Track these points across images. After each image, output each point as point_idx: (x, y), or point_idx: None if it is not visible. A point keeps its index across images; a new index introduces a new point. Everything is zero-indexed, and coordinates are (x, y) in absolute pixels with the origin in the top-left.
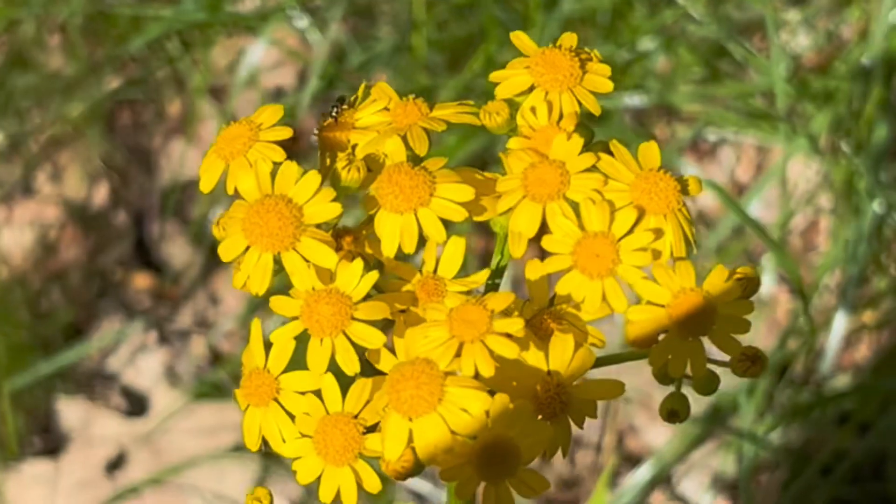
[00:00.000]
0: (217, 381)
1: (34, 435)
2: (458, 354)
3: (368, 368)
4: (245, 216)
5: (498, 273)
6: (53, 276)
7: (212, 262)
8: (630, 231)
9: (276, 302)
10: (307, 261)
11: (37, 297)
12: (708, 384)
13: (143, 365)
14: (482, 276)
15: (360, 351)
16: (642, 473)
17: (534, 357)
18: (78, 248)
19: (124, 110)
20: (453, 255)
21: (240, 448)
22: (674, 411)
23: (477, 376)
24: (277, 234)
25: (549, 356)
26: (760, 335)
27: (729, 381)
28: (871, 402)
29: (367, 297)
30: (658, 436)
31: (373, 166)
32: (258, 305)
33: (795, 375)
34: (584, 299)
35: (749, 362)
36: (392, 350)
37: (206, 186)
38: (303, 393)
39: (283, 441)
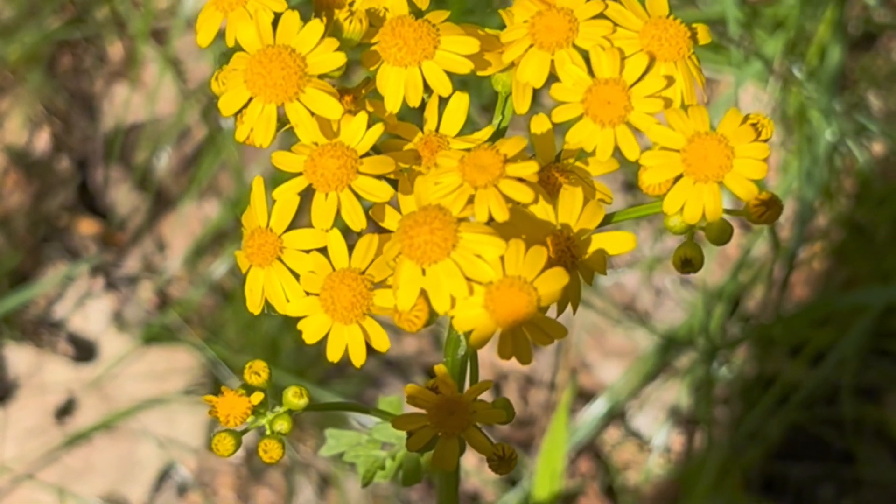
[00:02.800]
0: (166, 324)
1: None
2: (470, 202)
3: (372, 229)
4: (247, 67)
5: (498, 134)
6: None
7: (158, 208)
8: (641, 78)
9: (280, 157)
10: (312, 113)
11: None
12: (722, 232)
13: (90, 311)
14: (486, 132)
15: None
16: (596, 409)
17: (543, 211)
18: (21, 193)
19: (65, 55)
20: (456, 111)
21: (190, 392)
22: (688, 259)
23: (490, 223)
24: (281, 85)
25: (559, 210)
26: (711, 271)
27: (680, 315)
28: (821, 330)
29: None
30: (611, 372)
31: (374, 21)
32: (205, 251)
33: (748, 308)
34: (595, 148)
35: (764, 207)
36: (396, 208)
37: (203, 40)
38: (307, 251)
39: (288, 301)
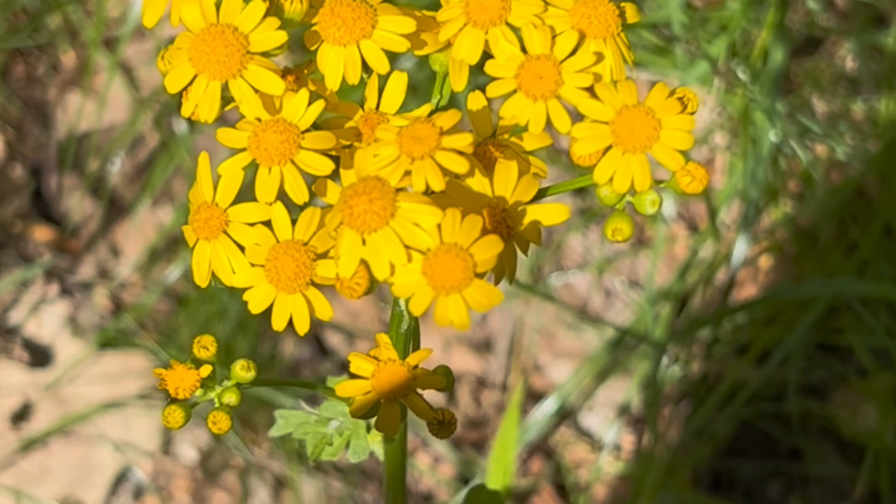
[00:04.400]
0: (120, 329)
1: None
2: (408, 174)
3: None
4: (192, 45)
5: (437, 113)
6: None
7: (111, 214)
8: (572, 54)
9: (224, 134)
10: (255, 90)
11: None
12: (652, 202)
13: (45, 317)
14: (424, 109)
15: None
16: (546, 408)
17: (479, 184)
18: None
19: (18, 63)
20: (395, 89)
21: (145, 396)
22: (618, 229)
23: (428, 194)
24: (225, 62)
25: (494, 182)
26: (659, 271)
27: (629, 316)
28: (767, 329)
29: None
30: (562, 373)
31: (314, 3)
32: (158, 256)
33: (694, 308)
34: (528, 122)
35: (690, 177)
36: (338, 183)
37: (149, 21)
38: (252, 224)
39: (234, 273)
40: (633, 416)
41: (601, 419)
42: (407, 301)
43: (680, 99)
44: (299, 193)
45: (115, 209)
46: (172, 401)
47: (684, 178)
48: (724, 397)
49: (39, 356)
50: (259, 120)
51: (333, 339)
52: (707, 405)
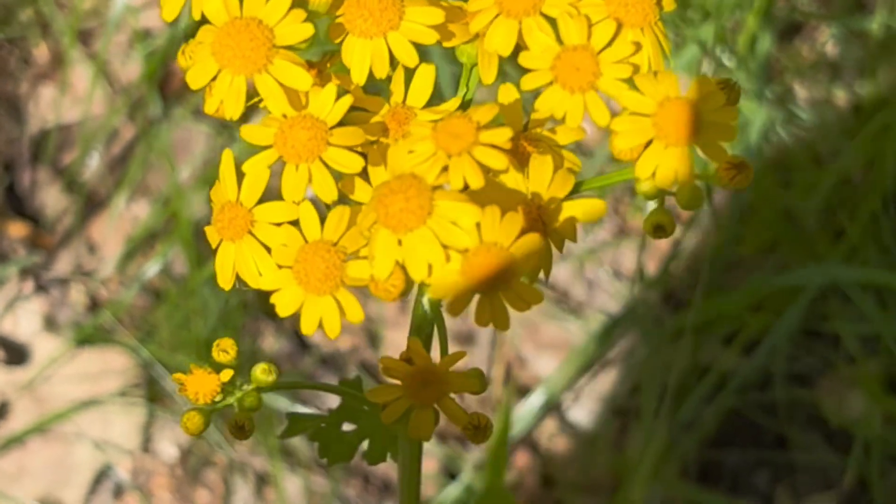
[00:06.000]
0: (98, 325)
1: None
2: (444, 171)
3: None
4: (215, 39)
5: (464, 105)
6: None
7: (87, 210)
8: (609, 44)
9: (248, 131)
10: (281, 84)
11: None
12: (694, 196)
13: (20, 314)
14: (453, 103)
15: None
16: (533, 402)
17: (513, 179)
18: None
19: None
20: (423, 82)
21: (125, 394)
22: (660, 225)
23: (464, 191)
24: (250, 56)
25: (529, 178)
26: (643, 263)
27: (614, 307)
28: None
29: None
30: (545, 365)
31: None
32: (136, 251)
33: (680, 298)
34: (564, 115)
35: (735, 170)
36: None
37: (169, 15)
38: (278, 224)
39: (260, 275)
40: (619, 407)
41: (586, 411)
42: (431, 301)
43: (723, 90)
44: (328, 191)
45: (90, 204)
46: (192, 406)
47: (728, 171)
48: (711, 387)
49: (15, 354)
50: (285, 116)
51: (314, 335)
52: (694, 395)
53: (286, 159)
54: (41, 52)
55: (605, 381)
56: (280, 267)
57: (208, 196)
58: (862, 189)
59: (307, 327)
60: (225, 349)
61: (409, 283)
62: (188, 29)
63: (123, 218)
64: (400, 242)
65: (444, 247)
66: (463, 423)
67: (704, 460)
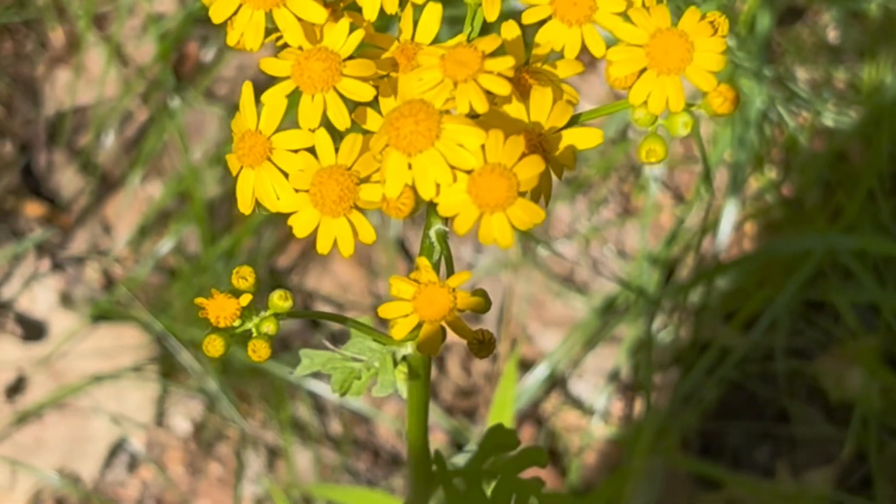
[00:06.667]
0: (114, 301)
1: None
2: (451, 98)
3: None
4: None
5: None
6: None
7: (102, 189)
8: None
9: (267, 63)
10: (298, 18)
11: None
12: (684, 124)
13: (37, 291)
14: (459, 40)
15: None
16: (537, 375)
17: (515, 110)
18: None
19: (6, 40)
20: (430, 20)
21: (139, 368)
22: (652, 150)
23: (470, 115)
24: None
25: (530, 108)
26: (646, 240)
27: (617, 285)
28: (754, 294)
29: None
30: (550, 342)
31: None
32: (149, 231)
33: (682, 276)
34: (563, 47)
35: (723, 98)
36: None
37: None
38: (295, 151)
39: (278, 199)
40: (623, 382)
41: (591, 386)
42: (445, 220)
43: (711, 22)
44: (342, 119)
45: (105, 184)
46: (213, 329)
47: (716, 98)
48: (712, 361)
49: (33, 330)
50: (301, 49)
51: (324, 311)
52: (696, 370)
53: (303, 89)
54: (57, 36)
55: (607, 357)
56: (297, 191)
57: (220, 176)
58: (859, 168)
59: (322, 246)
60: (244, 276)
61: (418, 201)
62: (199, 12)
63: (138, 197)
64: (410, 165)
65: (452, 168)
66: (469, 338)
67: (706, 433)
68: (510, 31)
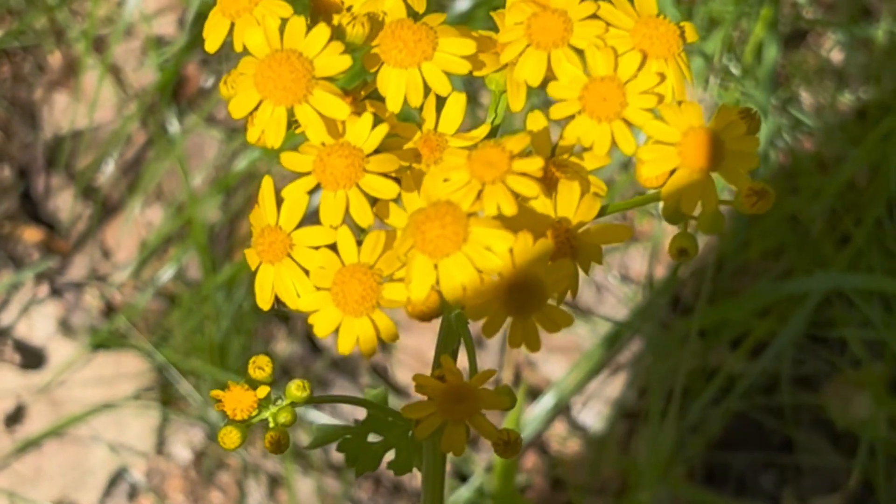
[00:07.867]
0: (113, 330)
1: None
2: (477, 198)
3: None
4: (257, 71)
5: (493, 131)
6: None
7: (101, 215)
8: (635, 75)
9: (288, 158)
10: (320, 114)
11: None
12: (715, 222)
13: (36, 318)
14: (483, 130)
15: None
16: (543, 405)
17: (542, 205)
18: None
19: (3, 63)
20: (454, 110)
21: (139, 397)
22: (683, 249)
23: (498, 217)
24: (291, 87)
25: (557, 203)
26: (651, 267)
27: (622, 311)
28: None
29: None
30: (554, 368)
31: (372, 25)
32: (151, 256)
33: (687, 302)
34: (592, 143)
35: (756, 196)
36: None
37: (211, 46)
38: (317, 248)
39: (298, 296)
40: (628, 409)
41: (595, 414)
42: (457, 317)
43: (743, 117)
44: (364, 217)
45: (105, 209)
46: (230, 422)
47: (750, 198)
48: (718, 391)
49: (32, 358)
50: (324, 144)
51: (326, 338)
52: (701, 399)
53: (324, 186)
54: (55, 59)
55: (613, 385)
56: (318, 289)
57: (221, 201)
58: (866, 195)
59: (344, 347)
60: (261, 366)
61: (444, 305)
62: (198, 37)
63: (137, 223)
64: (436, 267)
65: (478, 271)
66: (493, 439)
67: (711, 462)
68: (536, 122)
